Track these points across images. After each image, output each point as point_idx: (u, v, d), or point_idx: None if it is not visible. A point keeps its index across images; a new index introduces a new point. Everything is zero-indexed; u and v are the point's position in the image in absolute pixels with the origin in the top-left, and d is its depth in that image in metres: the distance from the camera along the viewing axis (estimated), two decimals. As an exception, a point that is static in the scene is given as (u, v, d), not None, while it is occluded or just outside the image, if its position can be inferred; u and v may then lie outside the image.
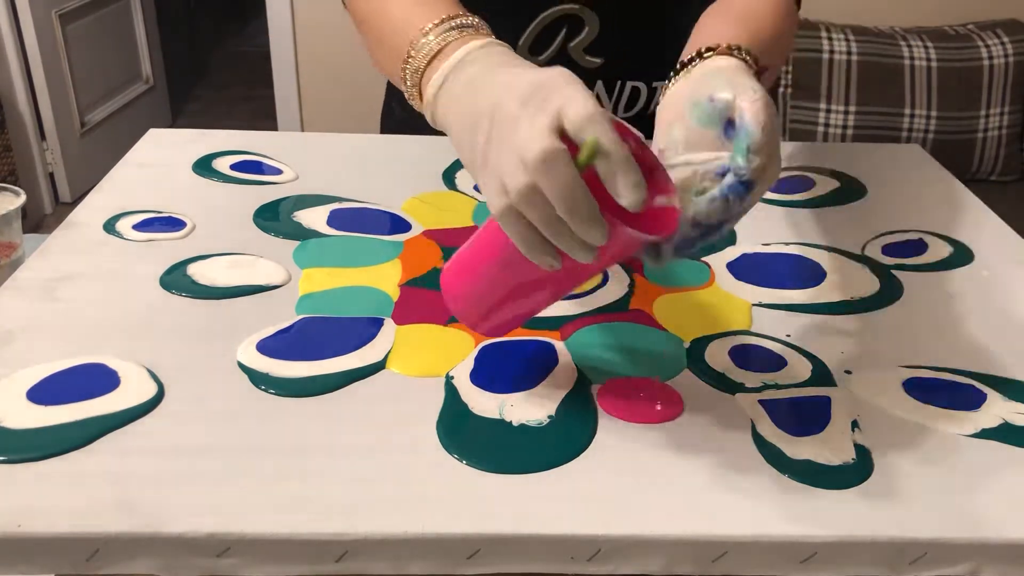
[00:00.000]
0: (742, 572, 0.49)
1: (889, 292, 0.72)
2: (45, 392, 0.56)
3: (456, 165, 0.91)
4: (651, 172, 0.51)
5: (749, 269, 0.74)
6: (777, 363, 0.62)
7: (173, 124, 3.39)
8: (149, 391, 0.56)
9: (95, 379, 0.57)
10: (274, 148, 0.93)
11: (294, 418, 0.55)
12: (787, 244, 0.79)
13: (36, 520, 0.47)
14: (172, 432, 0.53)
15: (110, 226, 0.76)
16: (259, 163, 0.90)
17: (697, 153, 0.53)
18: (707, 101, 0.52)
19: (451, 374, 0.59)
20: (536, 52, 0.91)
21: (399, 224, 0.79)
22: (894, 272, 0.74)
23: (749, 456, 0.53)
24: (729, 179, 0.50)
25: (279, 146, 0.93)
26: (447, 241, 0.77)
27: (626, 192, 0.47)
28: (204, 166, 0.88)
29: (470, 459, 0.52)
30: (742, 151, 0.50)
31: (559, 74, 0.49)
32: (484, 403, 0.57)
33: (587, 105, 0.47)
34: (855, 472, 0.52)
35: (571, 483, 0.51)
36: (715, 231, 0.52)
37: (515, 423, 0.55)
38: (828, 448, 0.54)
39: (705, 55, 0.58)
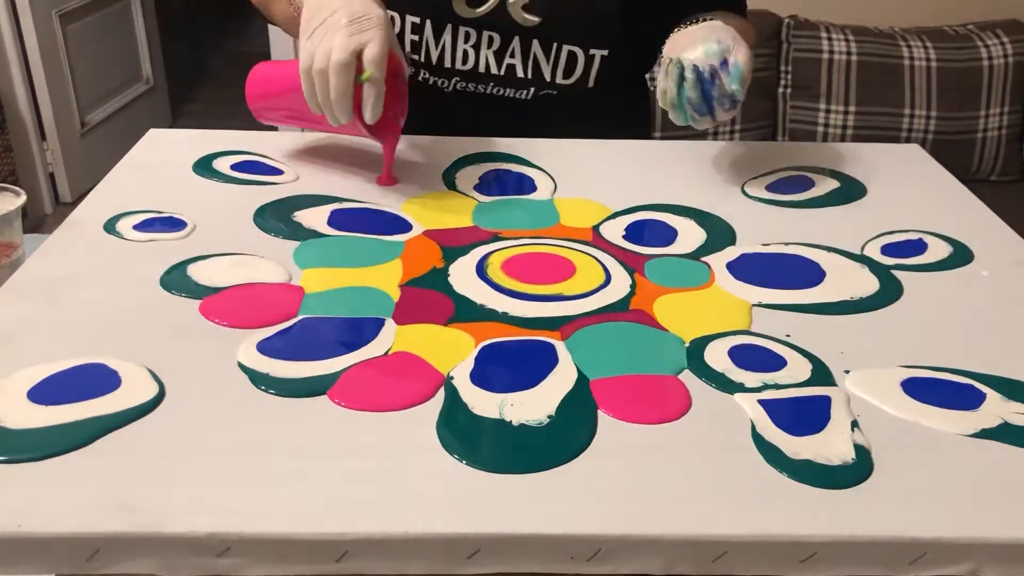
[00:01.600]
0: (742, 572, 0.49)
1: (889, 292, 0.72)
2: (46, 392, 0.56)
3: (456, 165, 0.91)
4: (399, 99, 0.84)
5: (749, 269, 0.74)
6: (777, 363, 0.62)
7: (173, 124, 3.39)
8: (150, 391, 0.56)
9: (96, 379, 0.57)
10: (274, 148, 0.93)
11: (294, 418, 0.55)
12: (787, 244, 0.79)
13: (36, 520, 0.47)
14: (172, 432, 0.54)
15: (110, 226, 0.76)
16: (259, 163, 0.90)
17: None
18: (715, 43, 0.80)
19: (451, 374, 0.59)
20: (473, 4, 0.93)
21: (399, 224, 0.79)
22: (894, 272, 0.74)
23: (749, 456, 0.53)
24: (730, 88, 0.80)
25: (279, 146, 0.93)
26: (447, 241, 0.77)
27: (369, 111, 0.77)
28: (204, 166, 0.88)
29: (470, 459, 0.52)
30: (736, 80, 0.79)
31: (380, 17, 0.77)
32: (484, 403, 0.57)
33: (383, 50, 0.76)
34: (855, 472, 0.52)
35: (571, 483, 0.51)
36: (707, 108, 0.81)
37: (515, 423, 0.55)
38: (828, 448, 0.54)
39: (708, 17, 0.87)
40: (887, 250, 0.78)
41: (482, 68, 0.96)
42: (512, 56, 0.95)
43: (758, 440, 0.55)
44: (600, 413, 0.56)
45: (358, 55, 0.74)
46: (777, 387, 0.59)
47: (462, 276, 0.71)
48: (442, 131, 0.98)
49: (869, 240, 0.80)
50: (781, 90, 2.17)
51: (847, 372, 0.61)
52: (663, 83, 0.81)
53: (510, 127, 0.98)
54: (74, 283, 0.68)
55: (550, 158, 0.93)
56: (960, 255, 0.77)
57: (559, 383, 0.59)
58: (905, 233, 0.81)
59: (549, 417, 0.56)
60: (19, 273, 0.69)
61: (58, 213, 2.70)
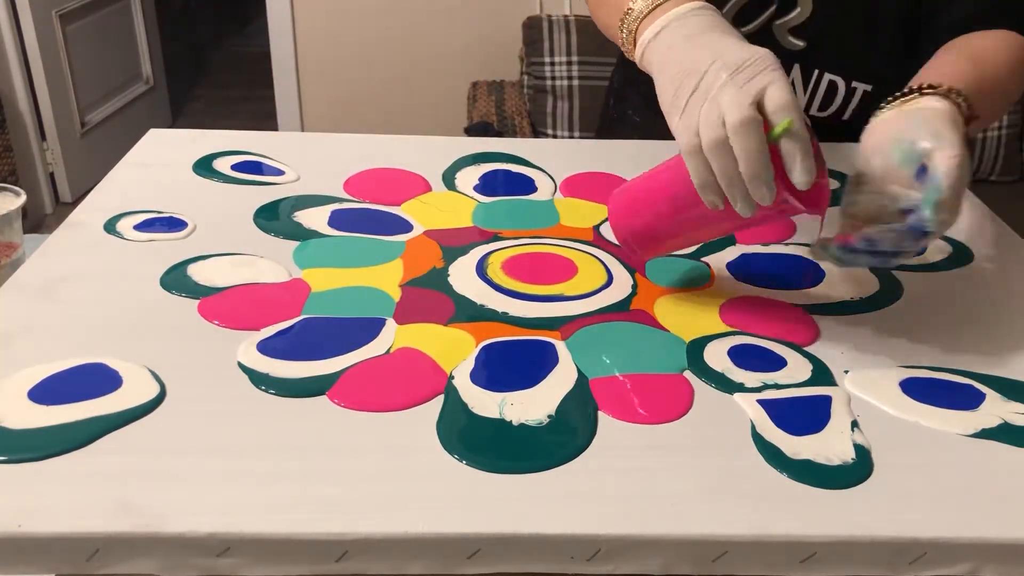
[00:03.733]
0: (742, 572, 0.49)
1: (889, 292, 0.72)
2: (46, 392, 0.56)
3: (456, 165, 0.91)
4: (816, 158, 0.58)
5: (749, 269, 0.74)
6: (777, 363, 0.62)
7: (173, 124, 3.39)
8: (151, 391, 0.56)
9: (96, 379, 0.57)
10: (275, 148, 0.93)
11: (294, 418, 0.55)
12: (787, 244, 0.79)
13: (36, 520, 0.47)
14: (172, 432, 0.54)
15: (110, 226, 0.76)
16: (260, 164, 0.90)
17: (890, 186, 0.60)
18: (909, 144, 0.60)
19: (452, 374, 0.59)
20: (739, 23, 0.90)
21: (399, 224, 0.80)
22: (894, 272, 0.74)
23: (749, 456, 0.53)
24: (913, 220, 0.57)
25: (280, 146, 0.93)
26: (447, 241, 0.77)
27: (801, 173, 0.57)
28: (204, 166, 0.88)
29: (470, 459, 0.52)
30: (931, 204, 0.56)
31: (767, 55, 0.58)
32: (484, 403, 0.57)
33: (788, 91, 0.57)
34: (855, 472, 0.52)
35: (571, 483, 0.51)
36: (887, 256, 0.60)
37: (515, 423, 0.55)
38: (828, 448, 0.54)
39: (925, 91, 0.64)
40: (887, 250, 0.78)
41: None
42: None
43: (758, 440, 0.55)
44: (600, 413, 0.56)
45: (759, 106, 0.57)
46: (777, 387, 0.59)
47: (462, 276, 0.71)
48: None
49: (869, 240, 0.79)
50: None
51: (847, 372, 0.61)
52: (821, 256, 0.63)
53: None
54: (74, 283, 0.68)
55: (550, 158, 0.93)
56: (960, 255, 0.77)
57: (559, 383, 0.59)
58: (905, 233, 0.81)
59: (549, 417, 0.56)
60: (19, 273, 0.69)
61: (58, 213, 2.70)
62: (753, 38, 0.89)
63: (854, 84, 0.91)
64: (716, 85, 0.58)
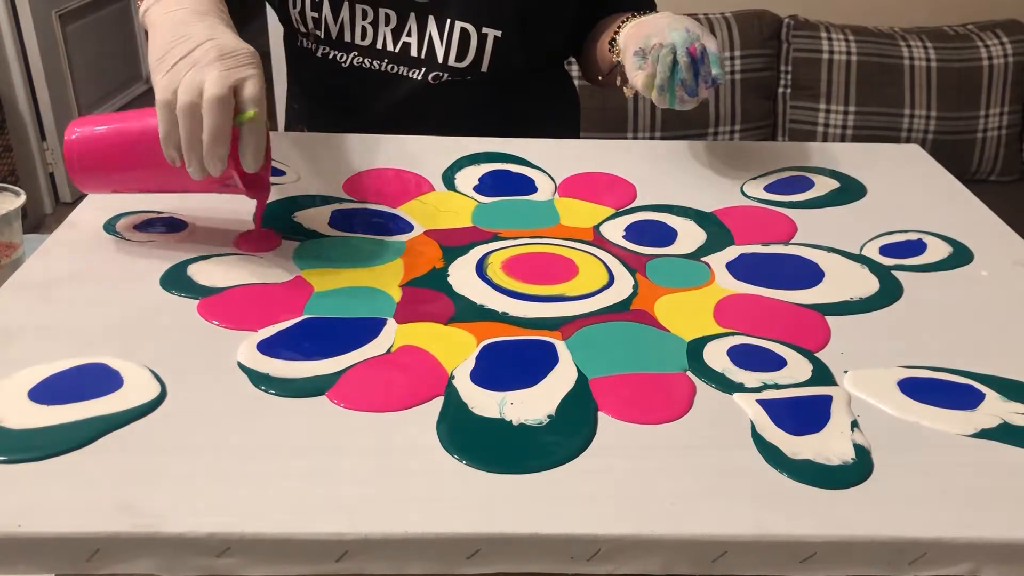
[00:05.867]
0: (742, 572, 0.49)
1: (888, 292, 0.72)
2: (46, 392, 0.56)
3: (456, 165, 0.91)
4: (266, 153, 0.68)
5: (749, 269, 0.74)
6: (777, 363, 0.62)
7: (173, 124, 3.39)
8: (152, 392, 0.56)
9: (96, 379, 0.57)
10: (275, 148, 0.93)
11: (294, 418, 0.55)
12: (787, 244, 0.79)
13: (36, 520, 0.47)
14: (172, 432, 0.54)
15: (110, 226, 0.76)
16: (259, 163, 0.90)
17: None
18: (684, 31, 0.83)
19: (452, 374, 0.59)
20: None
21: (400, 224, 0.80)
22: (893, 272, 0.74)
23: (749, 456, 0.54)
24: (713, 72, 0.83)
25: (280, 147, 0.93)
26: (448, 241, 0.77)
27: (251, 158, 0.66)
28: (204, 166, 0.88)
29: (470, 459, 0.52)
30: (718, 64, 0.82)
31: (253, 54, 0.68)
32: (484, 402, 0.57)
33: (261, 89, 0.66)
34: (854, 472, 0.52)
35: (571, 483, 0.51)
36: (694, 81, 0.82)
37: (515, 423, 0.55)
38: (827, 448, 0.54)
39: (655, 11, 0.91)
40: (886, 250, 0.78)
41: (379, 45, 0.97)
42: (409, 35, 0.96)
43: (758, 440, 0.55)
44: (600, 413, 0.56)
45: (235, 93, 0.65)
46: (777, 387, 0.59)
47: (461, 276, 0.71)
48: (333, 107, 1.01)
49: (868, 240, 0.80)
50: (781, 90, 2.17)
51: (847, 372, 0.61)
52: (652, 68, 0.82)
53: (404, 109, 0.98)
54: (74, 283, 0.68)
55: (550, 158, 0.93)
56: (960, 255, 0.77)
57: (559, 382, 0.59)
58: (905, 233, 0.81)
59: (549, 417, 0.56)
60: (19, 273, 0.69)
61: (58, 213, 2.70)
62: None
63: (484, 30, 0.95)
64: (205, 60, 0.66)
